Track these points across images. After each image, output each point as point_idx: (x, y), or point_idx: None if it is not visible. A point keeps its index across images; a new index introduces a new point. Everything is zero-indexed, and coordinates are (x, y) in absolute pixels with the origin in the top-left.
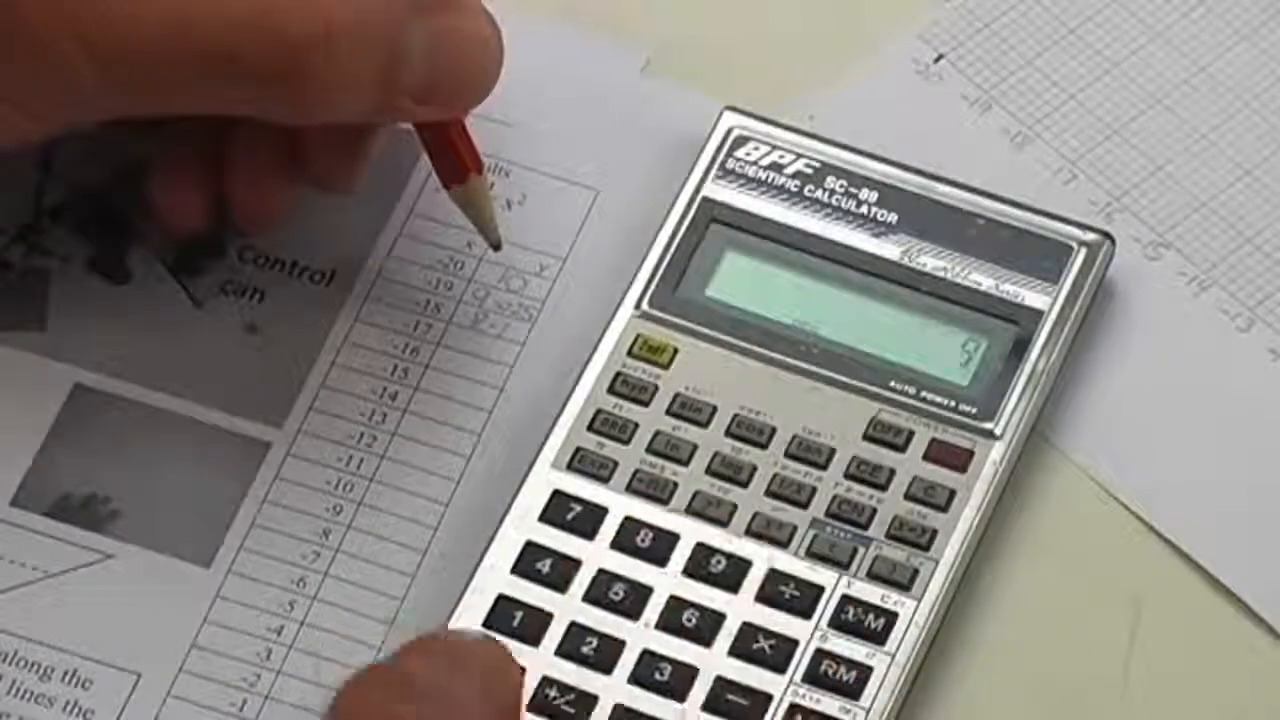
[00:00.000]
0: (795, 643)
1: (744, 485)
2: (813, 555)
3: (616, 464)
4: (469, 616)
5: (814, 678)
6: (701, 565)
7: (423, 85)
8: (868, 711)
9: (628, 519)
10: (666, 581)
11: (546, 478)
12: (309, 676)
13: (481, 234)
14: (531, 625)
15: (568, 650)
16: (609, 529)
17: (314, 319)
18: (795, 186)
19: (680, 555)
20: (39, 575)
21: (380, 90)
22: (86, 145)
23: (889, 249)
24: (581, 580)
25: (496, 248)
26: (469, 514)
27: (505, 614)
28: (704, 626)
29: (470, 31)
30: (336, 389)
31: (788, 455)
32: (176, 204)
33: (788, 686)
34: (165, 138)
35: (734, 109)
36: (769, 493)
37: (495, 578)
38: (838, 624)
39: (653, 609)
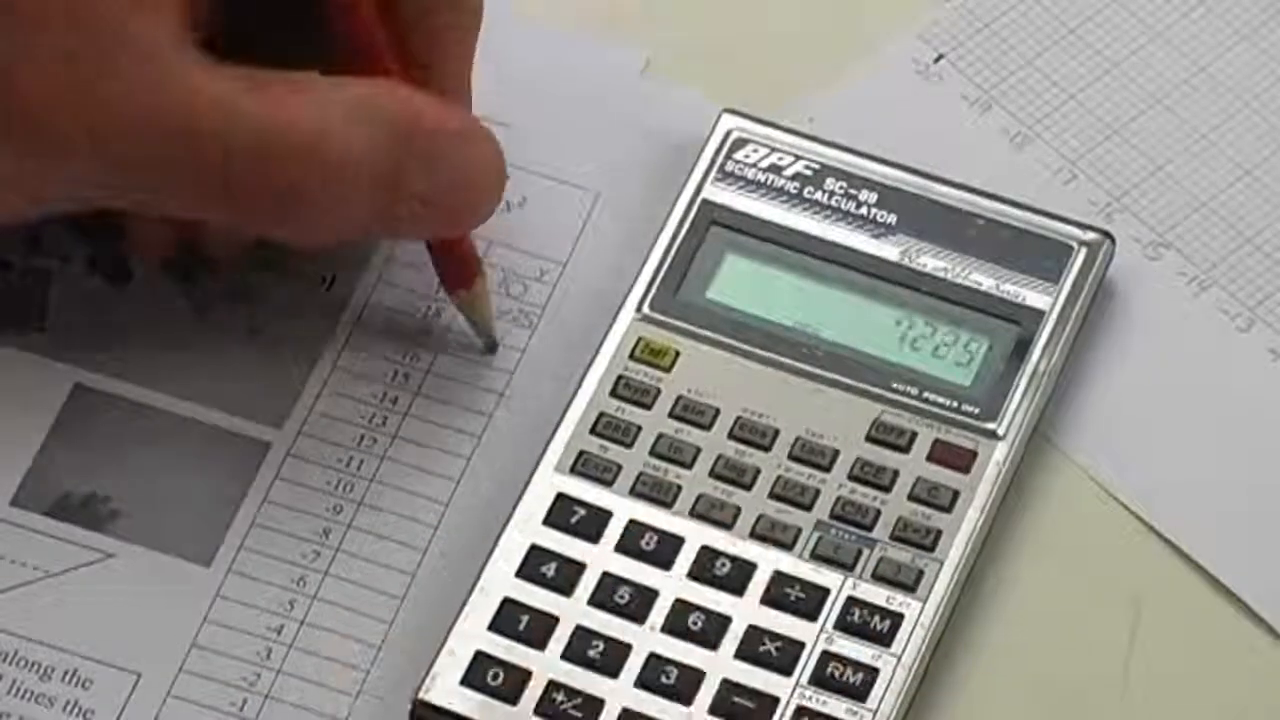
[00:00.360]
0: (801, 645)
1: (748, 488)
2: (817, 557)
3: (620, 467)
4: (475, 619)
5: (821, 680)
6: (706, 568)
7: (421, 214)
8: (875, 713)
9: (632, 522)
10: (672, 585)
11: (550, 481)
12: (309, 676)
13: (479, 336)
14: (537, 629)
15: (574, 654)
16: (613, 532)
17: (314, 322)
18: (794, 188)
19: (685, 558)
20: (39, 575)
21: (377, 218)
22: None
23: (889, 250)
24: (586, 584)
25: (491, 351)
26: (469, 513)
27: (511, 617)
28: (710, 630)
29: (473, 161)
30: (337, 391)
31: (791, 457)
32: (151, 239)
33: (794, 689)
34: None
35: (732, 111)
36: (773, 495)
37: (500, 581)
38: (843, 626)
39: (658, 612)
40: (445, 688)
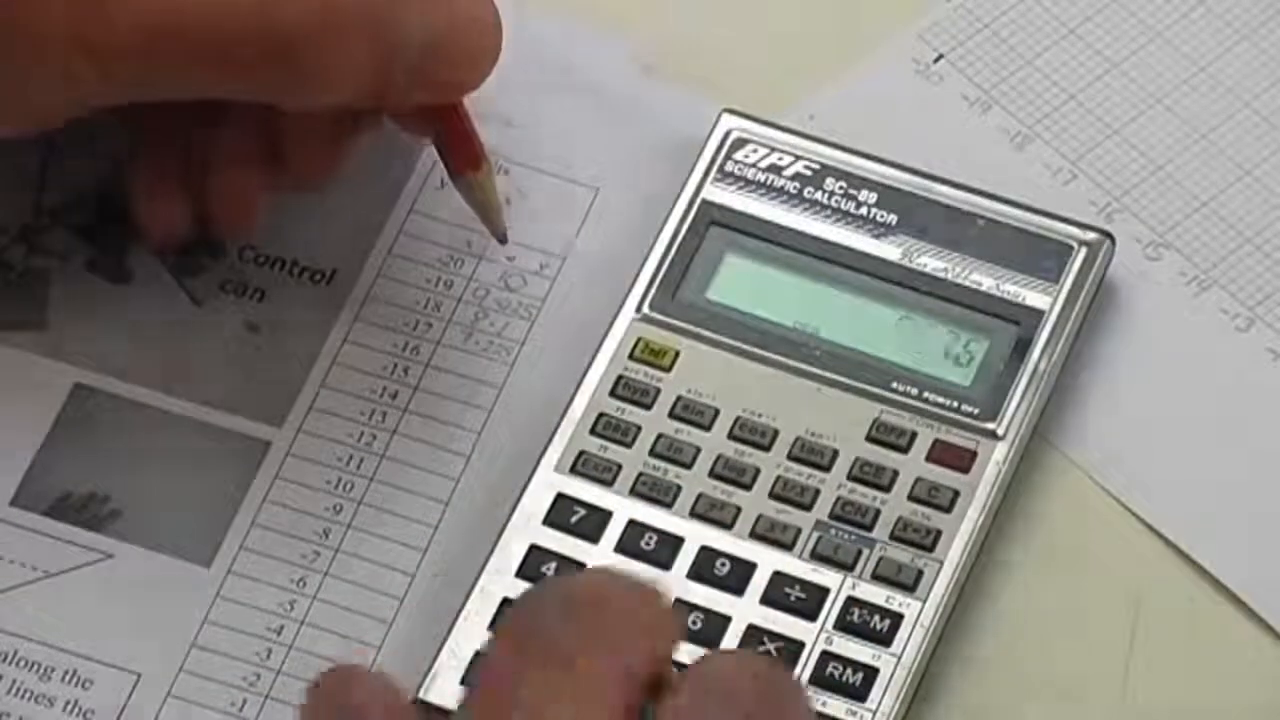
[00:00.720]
0: (801, 645)
1: (747, 488)
2: (817, 557)
3: (620, 467)
4: (475, 619)
5: (820, 680)
6: (706, 568)
7: (420, 68)
8: (874, 713)
9: (632, 522)
10: (671, 585)
11: (550, 481)
12: (309, 676)
13: (488, 225)
14: None
15: None
16: (613, 532)
17: (314, 318)
18: (794, 188)
19: (685, 558)
20: (39, 575)
21: (377, 73)
22: (86, 144)
23: (889, 250)
24: None
25: (503, 241)
26: (469, 513)
27: None
28: (710, 630)
29: (470, 14)
30: (336, 388)
31: (791, 457)
32: (159, 213)
33: None
34: (147, 145)
35: (732, 111)
36: (772, 495)
37: (500, 581)
38: (843, 626)
39: None
40: (445, 688)
